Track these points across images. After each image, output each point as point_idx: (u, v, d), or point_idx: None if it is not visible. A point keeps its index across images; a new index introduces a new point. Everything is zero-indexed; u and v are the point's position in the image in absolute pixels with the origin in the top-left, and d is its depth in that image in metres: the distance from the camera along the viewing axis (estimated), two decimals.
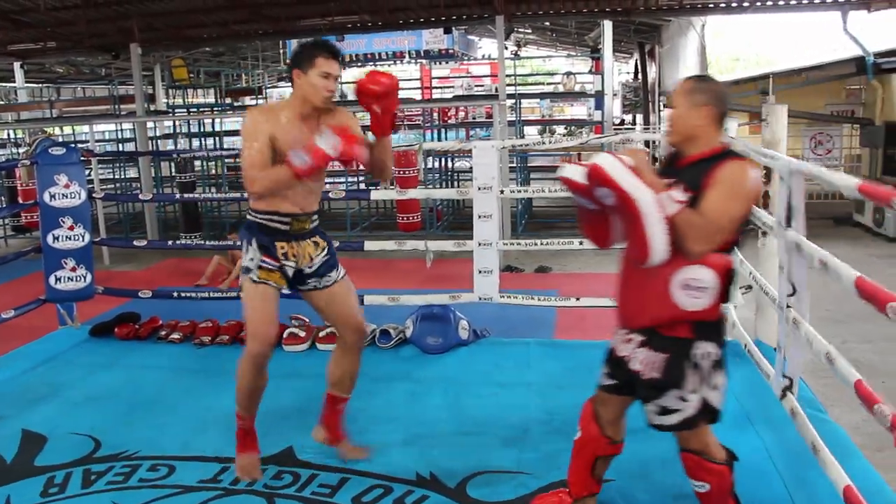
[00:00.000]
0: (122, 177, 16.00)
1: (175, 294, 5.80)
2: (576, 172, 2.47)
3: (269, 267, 3.24)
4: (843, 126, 14.02)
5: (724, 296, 2.50)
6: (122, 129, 16.14)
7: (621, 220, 2.49)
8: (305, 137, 3.11)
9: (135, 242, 6.37)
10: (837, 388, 4.83)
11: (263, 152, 3.10)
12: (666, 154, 2.66)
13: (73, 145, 6.12)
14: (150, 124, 14.04)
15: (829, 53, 13.88)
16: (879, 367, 6.08)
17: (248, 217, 3.31)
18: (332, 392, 3.51)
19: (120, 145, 15.90)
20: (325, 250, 3.39)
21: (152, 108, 15.74)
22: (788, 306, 3.32)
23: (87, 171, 6.96)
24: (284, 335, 5.09)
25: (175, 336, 5.36)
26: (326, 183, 3.88)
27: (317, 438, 3.54)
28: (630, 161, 2.41)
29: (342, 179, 12.50)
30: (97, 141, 13.12)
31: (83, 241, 5.38)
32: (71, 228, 5.31)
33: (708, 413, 2.55)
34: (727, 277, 2.46)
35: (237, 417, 3.40)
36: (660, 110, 22.14)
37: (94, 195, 6.06)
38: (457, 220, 12.83)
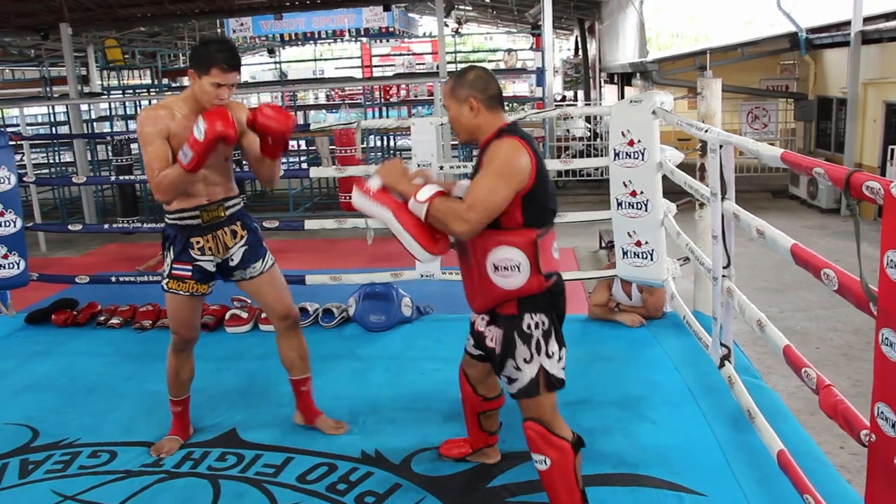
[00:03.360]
0: (57, 161, 15.63)
1: (113, 279, 5.70)
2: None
3: (180, 273, 3.25)
4: (779, 101, 14.32)
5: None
6: (55, 112, 15.73)
7: None
8: None
9: (70, 227, 6.22)
10: (774, 356, 4.98)
11: (162, 155, 3.05)
12: None
13: (1, 129, 5.92)
14: (84, 107, 13.71)
15: (765, 29, 14.15)
16: (814, 333, 6.29)
17: (166, 221, 3.30)
18: (291, 377, 3.55)
19: (53, 128, 15.50)
20: (244, 239, 3.36)
21: (86, 89, 15.35)
22: (724, 276, 3.39)
23: (18, 156, 6.78)
24: (227, 317, 5.05)
25: (115, 321, 5.26)
26: None
27: (296, 422, 3.61)
28: (377, 183, 2.63)
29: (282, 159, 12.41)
30: (28, 124, 12.76)
31: (15, 227, 5.23)
32: (1, 214, 5.16)
33: (550, 382, 2.61)
34: (534, 252, 2.55)
35: (169, 400, 3.49)
36: (600, 86, 22.37)
37: (25, 180, 5.90)
38: None
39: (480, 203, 2.46)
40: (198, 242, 3.25)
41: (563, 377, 2.64)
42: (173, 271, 3.26)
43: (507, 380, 2.66)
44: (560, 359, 2.63)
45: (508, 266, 2.54)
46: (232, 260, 3.33)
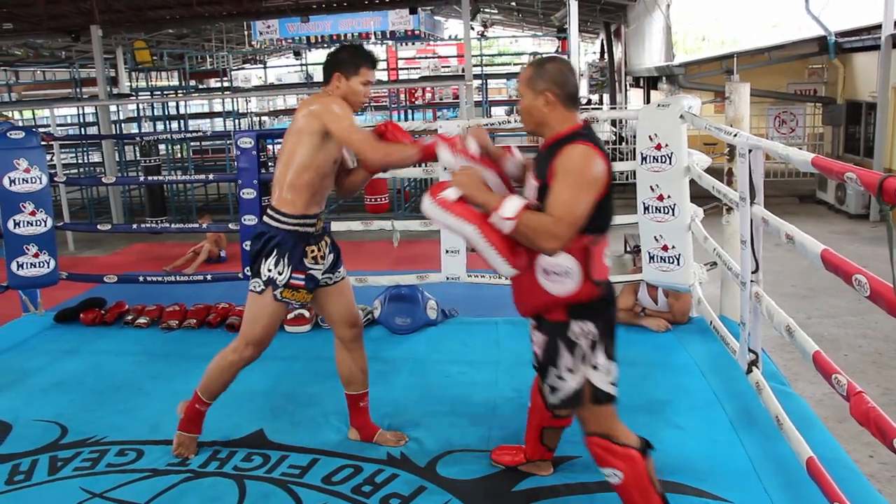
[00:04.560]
0: (86, 161, 15.80)
1: (141, 279, 5.75)
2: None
3: (298, 283, 3.18)
4: (806, 105, 14.18)
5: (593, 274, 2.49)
6: (84, 113, 15.89)
7: None
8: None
9: (98, 226, 6.29)
10: (802, 363, 4.92)
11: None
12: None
13: (33, 129, 6.00)
14: (113, 108, 13.84)
15: (792, 33, 14.01)
16: (842, 340, 6.21)
17: (275, 224, 3.17)
18: (348, 392, 3.47)
19: (82, 129, 15.68)
20: (330, 246, 3.35)
21: (115, 91, 15.51)
22: (752, 281, 3.36)
23: (48, 156, 6.85)
24: None
25: (142, 321, 5.31)
26: None
27: (352, 438, 3.52)
28: (454, 193, 2.46)
29: None
30: (59, 125, 12.92)
31: (45, 226, 5.29)
32: (32, 214, 5.23)
33: (596, 395, 2.51)
34: (586, 258, 2.46)
35: (198, 400, 3.39)
36: (626, 90, 22.26)
37: (55, 179, 5.97)
38: None
39: (568, 217, 2.34)
40: (312, 251, 3.21)
41: (613, 392, 2.53)
42: (292, 281, 3.17)
43: (549, 389, 2.58)
44: (608, 372, 2.52)
45: (559, 271, 2.45)
46: (325, 265, 3.30)
